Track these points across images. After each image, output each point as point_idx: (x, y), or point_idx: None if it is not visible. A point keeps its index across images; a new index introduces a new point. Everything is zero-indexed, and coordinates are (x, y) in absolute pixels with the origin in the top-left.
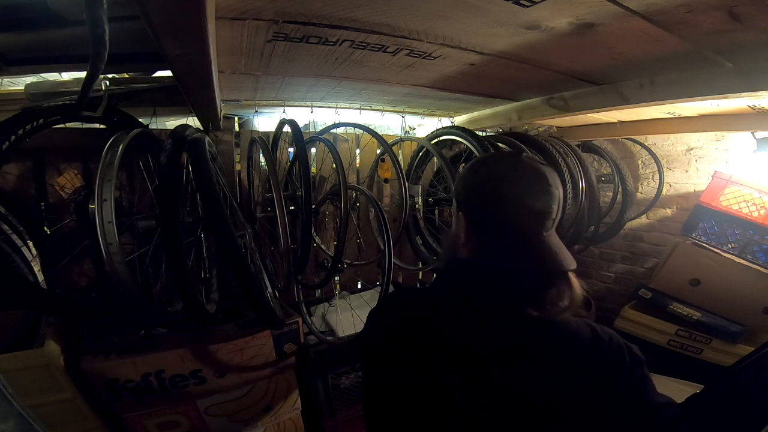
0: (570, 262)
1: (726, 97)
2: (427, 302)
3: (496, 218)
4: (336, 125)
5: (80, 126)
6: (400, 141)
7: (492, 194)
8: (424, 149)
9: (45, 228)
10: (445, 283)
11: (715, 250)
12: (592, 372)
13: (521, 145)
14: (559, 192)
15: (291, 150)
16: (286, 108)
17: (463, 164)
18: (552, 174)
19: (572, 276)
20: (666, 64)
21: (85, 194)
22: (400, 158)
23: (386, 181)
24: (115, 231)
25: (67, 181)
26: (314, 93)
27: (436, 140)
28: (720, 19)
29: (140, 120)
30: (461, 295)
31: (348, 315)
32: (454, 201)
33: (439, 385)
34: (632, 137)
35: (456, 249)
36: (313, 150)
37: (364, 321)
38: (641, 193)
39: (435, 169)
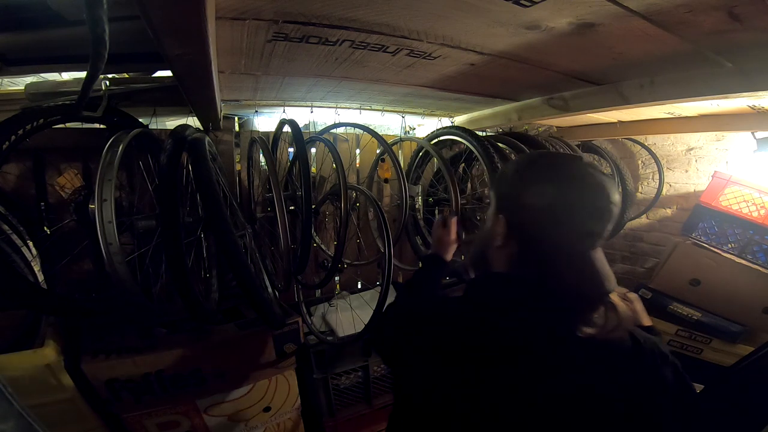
0: (612, 282)
1: (726, 97)
2: (462, 317)
3: (545, 234)
4: (336, 125)
5: (80, 126)
6: (400, 141)
7: (545, 207)
8: (424, 149)
9: (45, 228)
10: (483, 300)
11: (715, 250)
12: (632, 380)
13: (521, 145)
14: (618, 209)
15: (291, 150)
16: (286, 108)
17: (463, 164)
18: (613, 187)
19: (614, 295)
20: (666, 64)
21: (85, 194)
22: (400, 158)
23: (386, 181)
24: (115, 231)
25: (67, 181)
26: (314, 93)
27: (435, 140)
28: (720, 19)
29: (140, 120)
30: (503, 315)
31: (348, 315)
32: (492, 197)
33: (479, 396)
34: (632, 137)
35: (488, 250)
36: (313, 150)
37: (366, 321)
38: (641, 193)
39: (435, 169)
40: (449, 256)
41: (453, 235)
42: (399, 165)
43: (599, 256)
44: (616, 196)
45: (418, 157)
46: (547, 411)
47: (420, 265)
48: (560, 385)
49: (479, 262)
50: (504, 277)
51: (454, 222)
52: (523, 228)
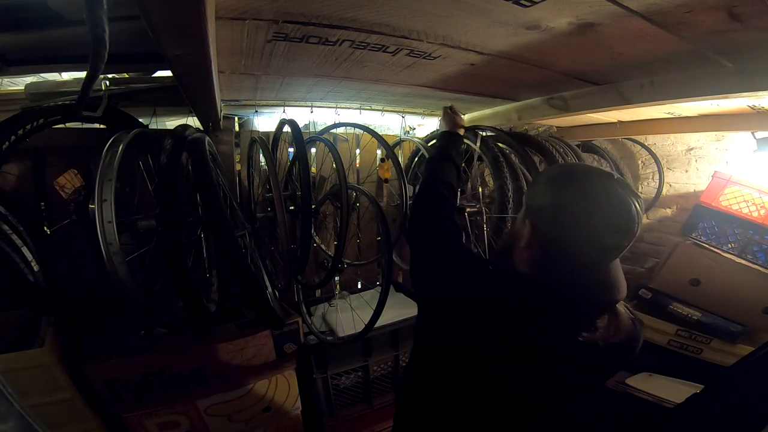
0: (623, 291)
1: (726, 97)
2: (482, 308)
3: (569, 245)
4: (336, 125)
5: (80, 126)
6: (400, 142)
7: (572, 221)
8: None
9: (45, 228)
10: (502, 297)
11: (715, 250)
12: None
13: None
14: (640, 227)
15: (291, 150)
16: (286, 108)
17: (462, 165)
18: (639, 206)
19: (619, 306)
20: (666, 64)
21: (85, 194)
22: (401, 158)
23: (386, 181)
24: (115, 231)
25: (67, 181)
26: (314, 93)
27: (435, 141)
28: (720, 19)
29: (140, 120)
30: (518, 314)
31: (348, 315)
32: (524, 201)
33: (480, 372)
34: (632, 137)
35: (512, 249)
36: (313, 150)
37: (366, 321)
38: (641, 193)
39: None
40: (461, 132)
41: (462, 121)
42: (399, 166)
43: (615, 268)
44: (641, 212)
45: (417, 156)
46: (532, 401)
47: (440, 139)
48: (551, 379)
49: (503, 257)
50: (524, 279)
51: (458, 113)
52: (548, 236)
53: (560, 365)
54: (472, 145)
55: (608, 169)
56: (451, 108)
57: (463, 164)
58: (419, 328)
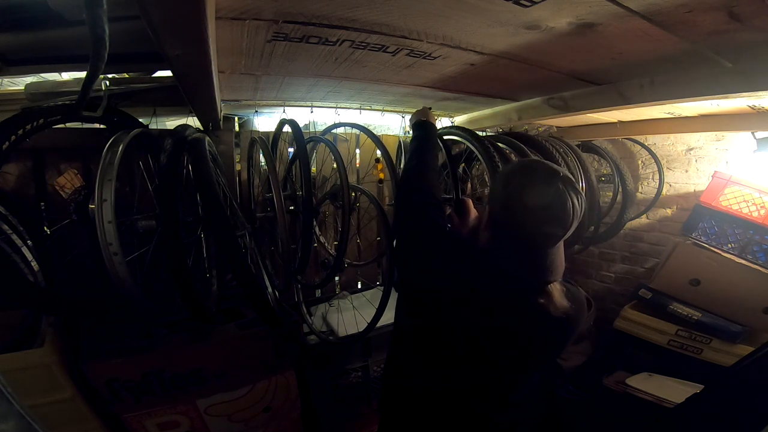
0: (556, 275)
1: (726, 97)
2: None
3: (514, 234)
4: (336, 125)
5: (80, 126)
6: (402, 146)
7: (517, 213)
8: None
9: (45, 228)
10: (469, 266)
11: (715, 250)
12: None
13: (522, 145)
14: (578, 220)
15: (291, 150)
16: (286, 108)
17: (463, 164)
18: (580, 201)
19: (552, 287)
20: (666, 64)
21: (85, 194)
22: (403, 159)
23: (380, 182)
24: (115, 231)
25: (67, 181)
26: (314, 93)
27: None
28: (720, 19)
29: (140, 120)
30: (477, 276)
31: (348, 315)
32: (489, 190)
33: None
34: (632, 137)
35: (478, 228)
36: (314, 150)
37: (369, 320)
38: (641, 193)
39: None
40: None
41: (435, 120)
42: (393, 166)
43: (554, 253)
44: (580, 207)
45: None
46: (488, 341)
47: (416, 129)
48: (517, 352)
49: (473, 235)
50: (481, 252)
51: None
52: (499, 221)
53: (522, 336)
54: (468, 143)
55: (611, 169)
56: (429, 108)
57: (462, 164)
58: (401, 314)
